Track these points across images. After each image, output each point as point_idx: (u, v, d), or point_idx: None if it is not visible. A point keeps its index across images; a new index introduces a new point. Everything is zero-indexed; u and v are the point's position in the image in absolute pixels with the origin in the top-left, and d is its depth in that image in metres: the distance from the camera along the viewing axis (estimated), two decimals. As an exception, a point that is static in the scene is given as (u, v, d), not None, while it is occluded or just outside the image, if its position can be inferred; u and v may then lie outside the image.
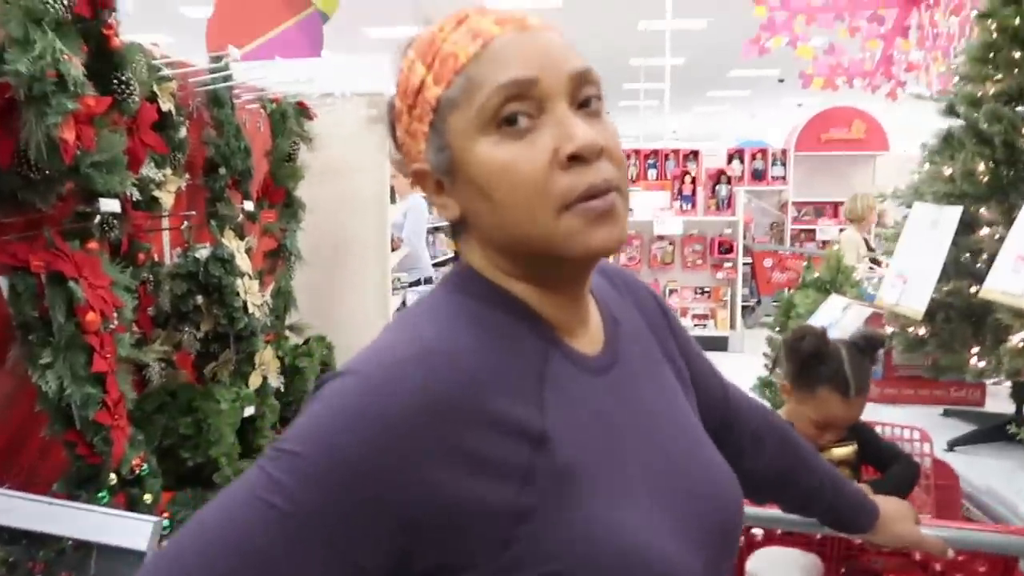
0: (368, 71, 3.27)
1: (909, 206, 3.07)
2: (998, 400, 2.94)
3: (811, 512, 1.28)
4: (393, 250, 3.76)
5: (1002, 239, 2.29)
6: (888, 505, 1.35)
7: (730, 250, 8.16)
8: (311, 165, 2.84)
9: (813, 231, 9.83)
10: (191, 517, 0.72)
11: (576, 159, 0.72)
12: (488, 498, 0.69)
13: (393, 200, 3.75)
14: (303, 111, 2.81)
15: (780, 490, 1.25)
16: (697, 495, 0.83)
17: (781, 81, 13.55)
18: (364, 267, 3.35)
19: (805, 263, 4.58)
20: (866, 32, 7.46)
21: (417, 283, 5.25)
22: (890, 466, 2.01)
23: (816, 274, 3.96)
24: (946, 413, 2.89)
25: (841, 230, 9.09)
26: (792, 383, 1.96)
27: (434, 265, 6.09)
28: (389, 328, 0.80)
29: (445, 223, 0.92)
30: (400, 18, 8.87)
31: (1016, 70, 2.34)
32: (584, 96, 0.76)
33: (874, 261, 3.40)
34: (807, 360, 1.91)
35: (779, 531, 1.65)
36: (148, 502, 1.57)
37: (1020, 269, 2.00)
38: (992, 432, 2.57)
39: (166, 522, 1.65)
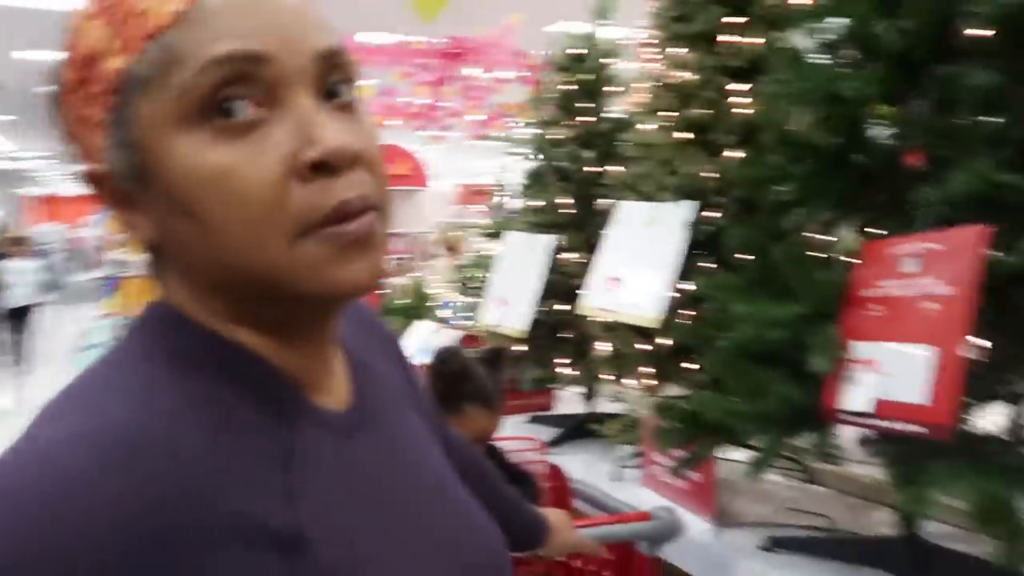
0: None
1: (493, 235, 3.39)
2: (563, 403, 3.38)
3: None
4: None
5: (586, 263, 2.66)
6: (551, 516, 1.42)
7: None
8: None
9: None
10: None
11: (321, 168, 0.55)
12: None
13: None
14: None
15: None
16: (471, 565, 0.73)
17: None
18: None
19: (386, 291, 4.73)
20: (416, 79, 8.14)
21: None
22: (517, 481, 2.15)
23: (404, 301, 4.13)
24: (533, 420, 3.23)
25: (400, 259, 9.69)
26: (440, 405, 1.96)
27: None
28: (51, 410, 0.54)
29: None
30: None
31: (588, 118, 2.74)
32: (334, 83, 0.59)
33: (464, 286, 3.69)
34: (454, 380, 1.94)
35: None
36: None
37: (610, 289, 2.33)
38: (573, 431, 2.95)
39: None
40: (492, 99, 8.12)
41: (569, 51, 2.81)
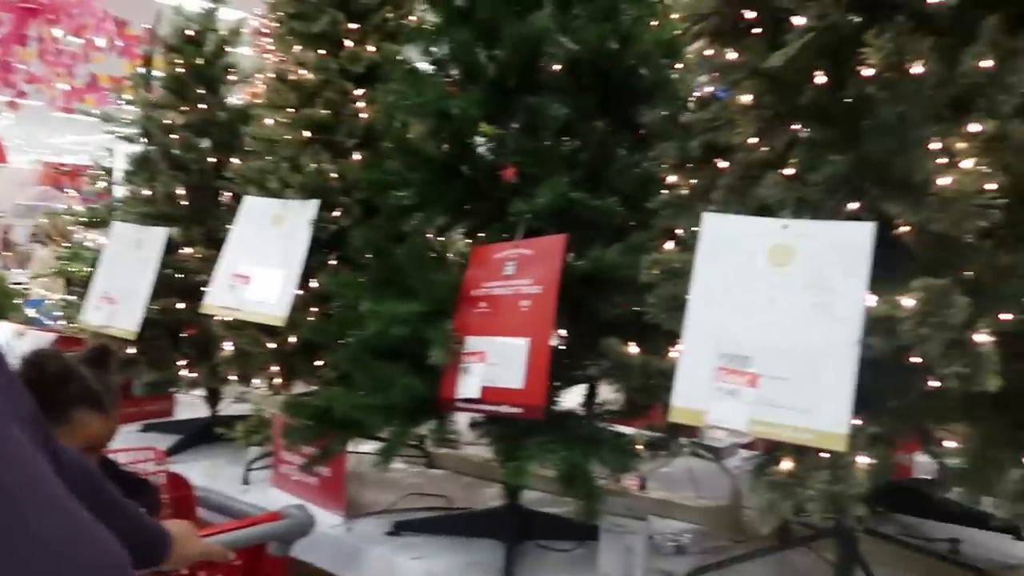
0: None
1: (95, 225, 3.02)
2: (185, 407, 3.17)
3: None
4: None
5: (204, 258, 2.51)
6: (173, 528, 1.37)
7: None
8: None
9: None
10: None
11: None
12: None
13: None
14: None
15: None
16: None
17: None
18: None
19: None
20: (-22, 33, 6.78)
21: None
22: (134, 493, 1.99)
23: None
24: (148, 428, 2.97)
25: None
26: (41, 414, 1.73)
27: None
28: None
29: None
30: None
31: (200, 105, 2.58)
32: None
33: (69, 281, 3.20)
34: (54, 384, 1.73)
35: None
36: None
37: (235, 287, 2.24)
38: (197, 437, 2.79)
39: None
40: (83, 68, 7.14)
41: (182, 31, 2.61)
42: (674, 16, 1.67)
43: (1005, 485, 1.13)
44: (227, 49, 2.65)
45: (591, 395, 1.83)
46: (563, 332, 1.65)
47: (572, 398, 1.80)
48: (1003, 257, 1.16)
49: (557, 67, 1.61)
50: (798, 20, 1.26)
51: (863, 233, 1.18)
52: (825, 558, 1.64)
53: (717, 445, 2.03)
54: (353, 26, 2.19)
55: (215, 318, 2.35)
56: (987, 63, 1.11)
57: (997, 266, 1.15)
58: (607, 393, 1.81)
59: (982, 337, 1.09)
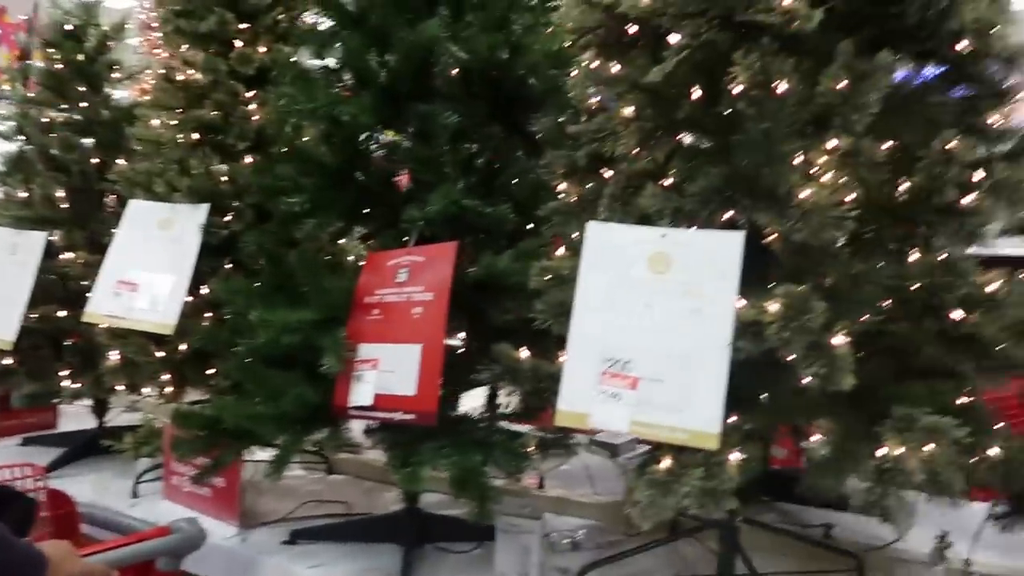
0: None
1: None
2: (70, 419, 3.02)
3: None
4: None
5: (87, 264, 2.40)
6: (49, 549, 1.33)
7: None
8: None
9: None
10: None
11: None
12: None
13: None
14: None
15: None
16: None
17: None
18: None
19: None
20: None
21: None
22: (5, 511, 1.89)
23: None
24: (28, 441, 2.82)
25: None
26: None
27: None
28: None
29: None
30: None
31: (82, 103, 2.47)
32: None
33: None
34: None
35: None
36: None
37: (120, 294, 2.16)
38: (82, 450, 2.67)
39: None
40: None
41: (60, 25, 2.48)
42: (568, 27, 1.70)
43: (861, 474, 1.22)
44: (111, 44, 2.54)
45: (492, 398, 1.86)
46: (461, 337, 1.67)
47: (473, 401, 1.82)
48: (857, 265, 1.25)
49: (449, 74, 1.63)
50: (674, 37, 1.31)
51: (733, 242, 1.25)
52: (710, 548, 1.71)
53: (614, 442, 2.09)
54: (243, 26, 2.14)
55: (99, 326, 2.26)
56: (842, 84, 1.20)
57: (852, 273, 1.24)
58: (507, 396, 1.84)
59: (839, 340, 1.18)
